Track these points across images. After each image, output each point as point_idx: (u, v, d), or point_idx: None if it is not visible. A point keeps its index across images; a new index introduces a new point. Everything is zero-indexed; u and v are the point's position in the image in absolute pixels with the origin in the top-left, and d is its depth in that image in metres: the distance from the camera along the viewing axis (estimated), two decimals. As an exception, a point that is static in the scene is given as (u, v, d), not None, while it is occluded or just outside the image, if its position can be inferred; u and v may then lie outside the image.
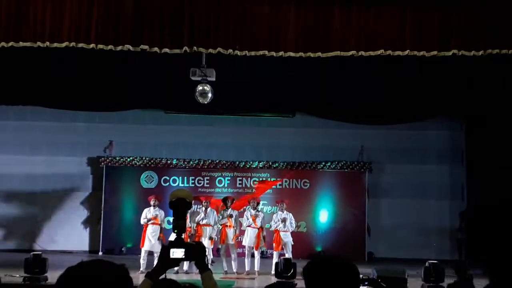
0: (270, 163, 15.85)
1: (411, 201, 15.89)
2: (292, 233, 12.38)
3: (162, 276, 2.73)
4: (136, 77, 12.58)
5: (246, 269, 12.04)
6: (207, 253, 11.18)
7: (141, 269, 11.55)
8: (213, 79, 10.99)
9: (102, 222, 15.55)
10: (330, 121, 15.40)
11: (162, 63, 11.58)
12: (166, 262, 2.66)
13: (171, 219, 11.22)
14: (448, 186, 16.10)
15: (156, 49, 9.19)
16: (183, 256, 2.73)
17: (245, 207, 12.73)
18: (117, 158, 15.83)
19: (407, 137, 15.89)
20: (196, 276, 11.61)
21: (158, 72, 12.38)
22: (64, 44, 9.05)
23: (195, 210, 12.43)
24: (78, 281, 1.81)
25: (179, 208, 2.81)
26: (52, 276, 9.68)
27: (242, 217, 12.50)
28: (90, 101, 13.61)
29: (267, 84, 12.67)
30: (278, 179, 15.18)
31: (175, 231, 2.77)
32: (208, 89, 11.05)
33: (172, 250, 2.71)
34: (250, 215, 12.23)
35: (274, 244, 12.18)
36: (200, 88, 11.08)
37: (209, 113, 15.29)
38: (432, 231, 15.84)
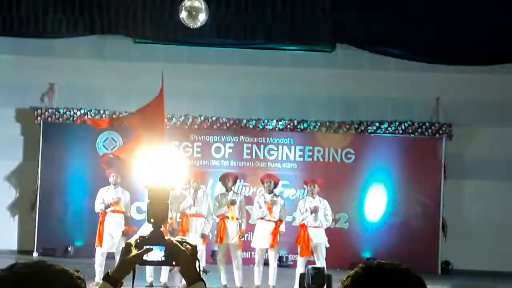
0: (296, 123, 15.83)
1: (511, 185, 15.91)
2: (327, 231, 12.42)
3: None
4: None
5: (256, 283, 12.12)
6: (198, 256, 11.08)
7: (96, 279, 11.67)
8: (209, -10, 10.91)
9: (38, 208, 15.69)
10: (389, 59, 15.33)
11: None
12: (132, 264, 2.63)
13: (142, 204, 11.29)
14: None
15: None
16: (163, 259, 2.71)
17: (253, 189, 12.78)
18: (61, 111, 15.88)
19: (508, 86, 15.76)
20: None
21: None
22: None
23: (179, 193, 12.49)
24: None
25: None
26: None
27: (251, 204, 12.54)
28: (19, 22, 13.59)
29: (292, 1, 12.58)
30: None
31: (152, 221, 2.74)
32: (200, 5, 10.97)
33: (145, 249, 2.68)
34: (264, 201, 12.25)
35: (299, 247, 12.25)
36: (188, 3, 11.00)
37: (202, 43, 15.21)
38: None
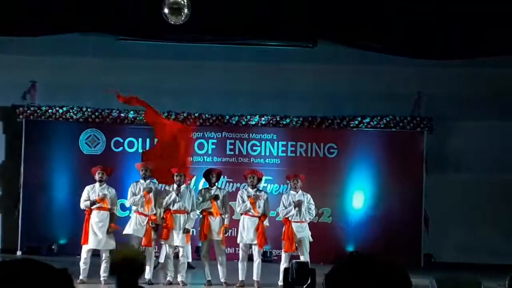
0: (278, 119, 15.86)
1: (492, 177, 15.99)
2: (311, 225, 12.48)
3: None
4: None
5: (240, 278, 12.14)
6: (182, 254, 11.19)
7: (81, 276, 11.66)
8: (191, -14, 10.89)
9: (21, 207, 15.65)
10: (369, 53, 15.37)
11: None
12: None
13: (126, 202, 11.29)
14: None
15: None
16: None
17: (237, 185, 12.76)
18: (43, 109, 15.83)
19: (489, 80, 15.83)
20: (163, 288, 11.50)
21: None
22: None
23: (162, 189, 12.49)
24: None
25: (126, 275, 2.76)
26: None
27: (235, 200, 12.56)
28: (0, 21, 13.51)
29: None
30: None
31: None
32: (183, 1, 10.96)
33: None
34: (247, 196, 12.28)
35: (283, 242, 12.28)
36: (170, 0, 10.98)
37: (185, 39, 15.20)
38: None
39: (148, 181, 12.32)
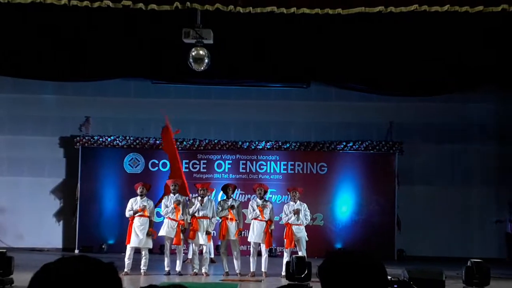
0: (280, 144, 15.89)
1: (450, 188, 15.97)
2: (307, 227, 12.46)
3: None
4: (118, 41, 12.61)
5: (251, 270, 12.13)
6: (205, 251, 11.11)
7: (125, 269, 11.67)
8: (210, 41, 10.98)
9: (78, 215, 15.67)
10: (352, 92, 15.46)
11: (148, 23, 11.60)
12: None
13: (161, 210, 11.32)
14: (495, 170, 16.13)
15: (141, 5, 9.21)
16: None
17: (248, 196, 12.78)
18: (95, 138, 15.90)
19: (445, 111, 15.87)
20: (190, 279, 11.57)
21: (143, 34, 12.39)
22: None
23: (189, 199, 12.52)
24: (58, 280, 1.75)
25: None
26: (19, 278, 9.80)
27: (247, 208, 12.58)
28: (61, 68, 13.64)
29: (276, 48, 12.68)
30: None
31: None
32: (204, 53, 11.05)
33: None
34: (256, 205, 12.28)
35: (285, 240, 12.26)
36: (194, 52, 11.07)
37: (206, 83, 15.31)
38: (475, 224, 15.93)
39: (177, 194, 12.36)
